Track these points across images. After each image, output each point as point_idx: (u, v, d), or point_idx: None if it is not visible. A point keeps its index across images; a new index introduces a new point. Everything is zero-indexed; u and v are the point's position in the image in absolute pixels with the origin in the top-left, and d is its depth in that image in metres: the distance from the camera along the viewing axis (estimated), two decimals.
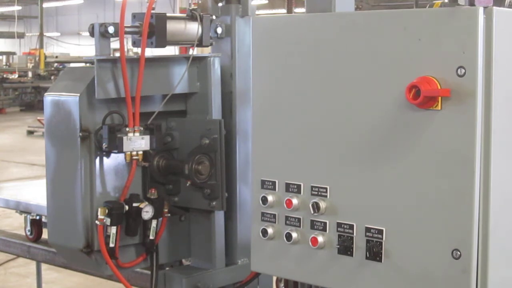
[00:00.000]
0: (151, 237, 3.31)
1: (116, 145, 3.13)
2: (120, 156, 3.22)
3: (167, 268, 3.62)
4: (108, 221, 3.13)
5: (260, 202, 2.62)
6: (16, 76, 30.51)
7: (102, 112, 3.16)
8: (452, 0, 2.29)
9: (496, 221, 2.22)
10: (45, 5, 35.88)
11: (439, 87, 2.21)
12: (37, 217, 4.57)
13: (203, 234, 3.52)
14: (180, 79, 3.37)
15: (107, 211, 3.14)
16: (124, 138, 3.13)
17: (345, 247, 2.44)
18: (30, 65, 33.07)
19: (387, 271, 2.36)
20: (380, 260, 2.37)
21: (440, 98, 2.21)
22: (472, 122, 2.17)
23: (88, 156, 3.15)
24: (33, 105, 28.12)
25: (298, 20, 2.63)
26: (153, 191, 3.30)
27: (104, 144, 3.13)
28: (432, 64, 2.23)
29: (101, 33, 3.13)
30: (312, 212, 2.49)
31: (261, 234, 2.63)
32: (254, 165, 2.69)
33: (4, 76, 30.06)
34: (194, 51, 3.42)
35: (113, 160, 3.23)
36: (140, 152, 3.20)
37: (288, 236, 2.56)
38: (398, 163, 2.31)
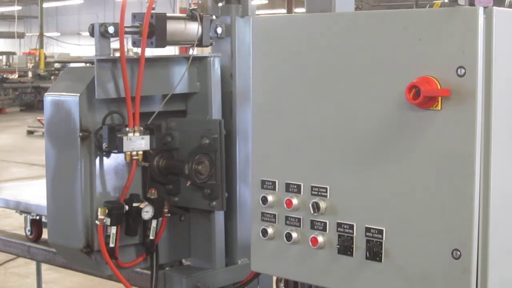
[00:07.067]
0: (151, 237, 3.31)
1: (116, 145, 3.13)
2: (120, 156, 3.22)
3: (167, 268, 3.62)
4: (108, 221, 3.13)
5: (260, 202, 2.62)
6: (16, 76, 30.52)
7: (102, 112, 3.16)
8: (452, 0, 2.29)
9: (496, 221, 2.22)
10: (45, 5, 35.88)
11: (439, 87, 2.21)
12: (37, 217, 4.57)
13: (203, 234, 3.52)
14: (180, 79, 3.37)
15: (107, 211, 3.14)
16: (124, 138, 3.13)
17: (345, 247, 2.44)
18: (30, 65, 33.08)
19: (387, 271, 2.35)
20: (380, 260, 2.37)
21: (440, 98, 2.21)
22: (472, 122, 2.17)
23: (88, 156, 3.15)
24: (33, 105, 28.12)
25: (298, 20, 2.63)
26: (153, 191, 3.30)
27: (104, 144, 3.13)
28: (432, 64, 2.23)
29: (101, 33, 3.12)
30: (312, 212, 2.49)
31: (261, 234, 2.63)
32: (254, 165, 2.69)
33: (4, 76, 30.08)
34: (194, 51, 3.42)
35: (113, 160, 3.23)
36: (140, 152, 3.20)
37: (288, 236, 2.56)
38: (398, 163, 2.31)
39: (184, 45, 3.85)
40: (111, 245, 3.16)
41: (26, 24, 45.87)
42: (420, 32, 2.26)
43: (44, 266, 5.59)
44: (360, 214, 2.42)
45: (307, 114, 2.53)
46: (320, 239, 2.49)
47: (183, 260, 3.73)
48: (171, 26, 3.33)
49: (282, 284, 4.27)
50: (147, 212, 3.23)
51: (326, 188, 2.49)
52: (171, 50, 6.40)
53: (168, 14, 3.32)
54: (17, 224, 7.85)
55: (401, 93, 2.26)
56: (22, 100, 28.84)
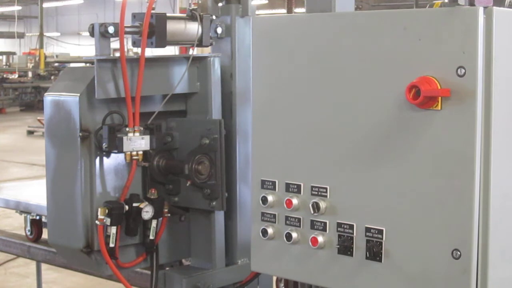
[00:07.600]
0: (151, 237, 3.31)
1: (116, 145, 3.13)
2: (120, 156, 3.22)
3: (167, 268, 3.62)
4: (108, 221, 3.13)
5: (260, 202, 2.62)
6: (16, 76, 30.55)
7: (102, 112, 3.17)
8: (452, 0, 2.29)
9: (496, 221, 2.22)
10: (45, 5, 35.90)
11: (439, 87, 2.21)
12: (37, 217, 4.58)
13: (203, 234, 3.52)
14: (180, 79, 3.37)
15: (107, 211, 3.14)
16: (124, 138, 3.13)
17: (345, 247, 2.44)
18: (30, 65, 33.10)
19: (387, 271, 2.35)
20: (380, 260, 2.36)
21: (440, 98, 2.21)
22: (472, 122, 2.17)
23: (88, 156, 3.15)
24: (33, 105, 28.14)
25: (298, 20, 2.63)
26: (153, 191, 3.30)
27: (104, 144, 3.13)
28: (432, 64, 2.23)
29: (101, 33, 3.12)
30: (312, 212, 2.49)
31: (261, 234, 2.63)
32: (254, 165, 2.69)
33: (4, 76, 30.10)
34: (194, 51, 3.42)
35: (113, 160, 3.23)
36: (140, 152, 3.20)
37: (288, 236, 2.55)
38: (398, 163, 2.31)
39: (184, 45, 3.85)
40: (111, 245, 3.16)
41: (26, 24, 45.89)
42: (420, 32, 2.26)
43: (44, 266, 5.59)
44: (360, 214, 2.41)
45: (307, 114, 2.53)
46: (320, 239, 2.49)
47: (183, 260, 3.73)
48: (171, 26, 3.33)
49: (282, 284, 4.27)
50: (147, 212, 3.23)
51: (326, 188, 2.49)
52: (171, 50, 6.40)
53: (168, 14, 3.32)
54: (17, 224, 7.86)
55: (401, 93, 2.26)
56: (22, 100, 28.86)
